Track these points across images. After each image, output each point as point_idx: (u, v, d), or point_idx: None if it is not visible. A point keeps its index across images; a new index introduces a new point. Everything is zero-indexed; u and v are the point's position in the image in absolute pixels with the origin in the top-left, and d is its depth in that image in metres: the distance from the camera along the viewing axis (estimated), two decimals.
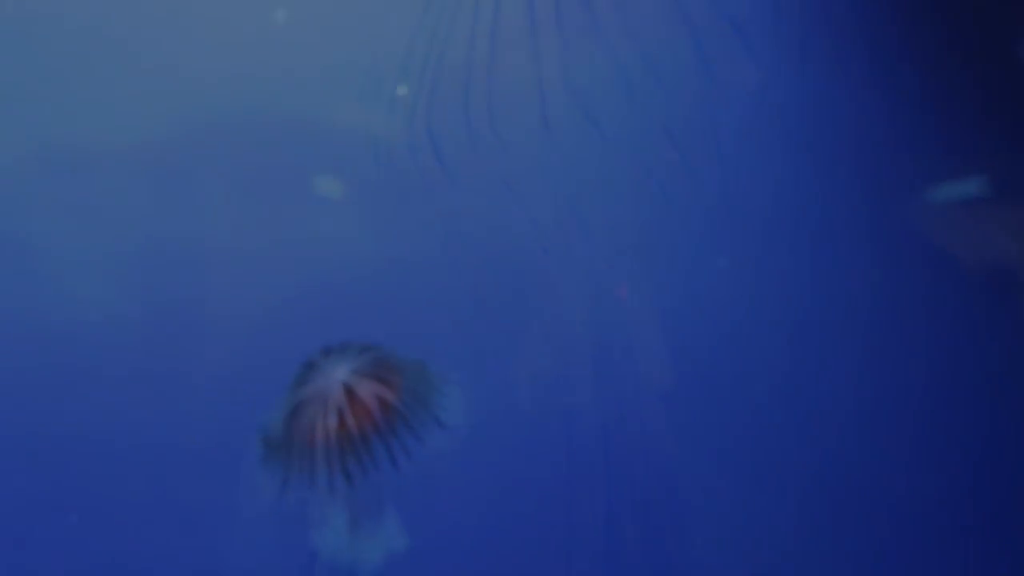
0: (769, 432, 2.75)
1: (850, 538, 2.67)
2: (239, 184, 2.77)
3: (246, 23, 2.84)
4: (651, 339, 2.01)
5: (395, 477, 2.02)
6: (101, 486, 2.59)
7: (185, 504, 2.63)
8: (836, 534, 2.70)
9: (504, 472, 2.13)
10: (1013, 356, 2.88)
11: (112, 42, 2.81)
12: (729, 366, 2.73)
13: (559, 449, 2.16)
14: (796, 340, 2.88)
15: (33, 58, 2.74)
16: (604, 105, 1.71)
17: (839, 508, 2.70)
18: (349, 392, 1.98)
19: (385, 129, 2.03)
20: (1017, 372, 2.86)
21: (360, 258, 2.33)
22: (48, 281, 2.65)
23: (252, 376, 2.69)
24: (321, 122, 2.69)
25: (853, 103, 3.07)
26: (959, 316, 2.99)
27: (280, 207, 2.72)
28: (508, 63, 1.77)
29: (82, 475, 2.55)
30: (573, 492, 2.16)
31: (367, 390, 1.97)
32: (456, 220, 2.00)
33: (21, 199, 2.67)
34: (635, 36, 1.58)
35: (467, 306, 2.25)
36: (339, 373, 2.00)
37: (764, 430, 2.74)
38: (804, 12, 2.97)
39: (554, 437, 2.16)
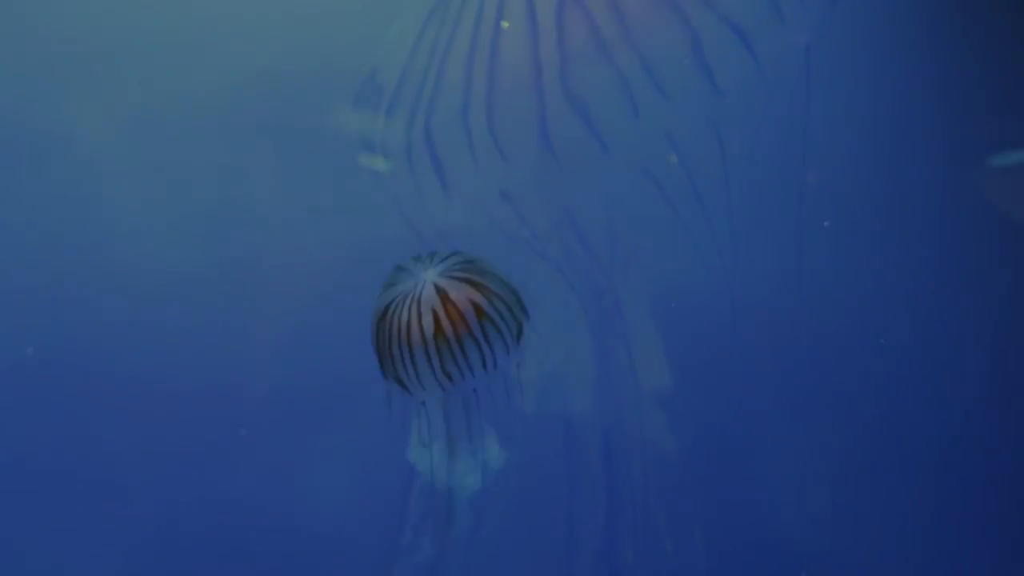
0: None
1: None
2: (293, 145, 2.92)
3: None
4: (651, 341, 2.09)
5: (490, 391, 2.06)
6: (174, 431, 2.81)
7: (255, 451, 2.85)
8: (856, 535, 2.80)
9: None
10: None
11: (184, 6, 2.96)
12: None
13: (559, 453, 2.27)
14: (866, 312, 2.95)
15: (107, 28, 2.91)
16: (605, 116, 1.78)
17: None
18: (443, 294, 1.96)
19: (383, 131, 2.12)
20: None
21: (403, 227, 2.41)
22: (125, 238, 2.86)
23: (308, 328, 2.89)
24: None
25: (910, 71, 3.05)
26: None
27: (333, 169, 2.86)
28: (508, 74, 1.85)
29: (154, 422, 2.77)
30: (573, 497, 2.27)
31: (460, 293, 1.96)
32: (452, 227, 2.09)
33: (99, 163, 2.87)
34: (637, 46, 1.63)
35: None
36: (430, 275, 1.98)
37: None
38: None
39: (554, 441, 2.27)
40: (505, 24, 2.35)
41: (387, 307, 1.99)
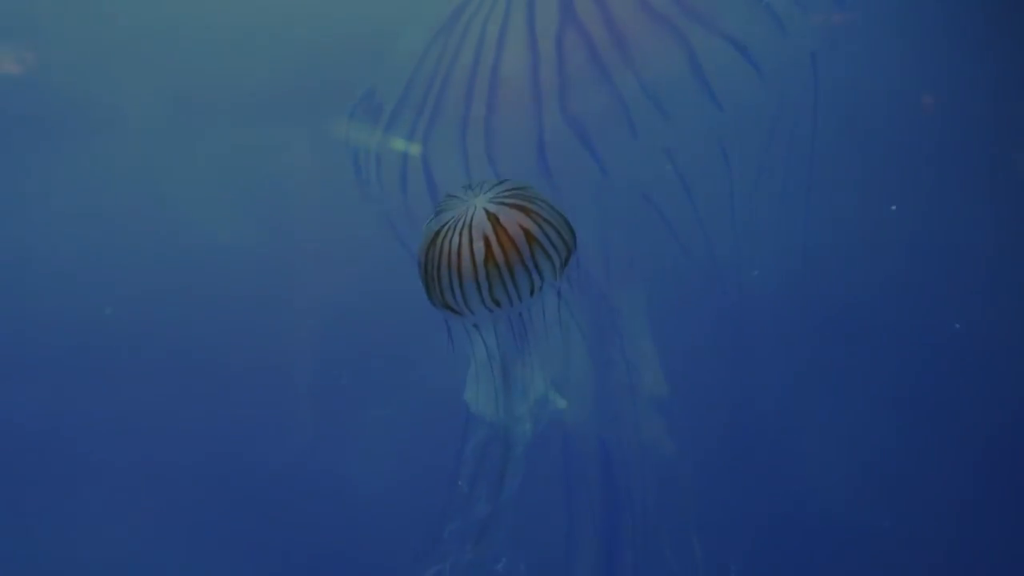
0: None
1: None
2: (334, 123, 2.97)
3: None
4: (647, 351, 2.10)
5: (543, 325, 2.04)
6: (227, 398, 2.94)
7: (304, 420, 2.96)
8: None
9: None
10: None
11: None
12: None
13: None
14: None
15: (160, 7, 2.97)
16: (603, 137, 1.78)
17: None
18: (494, 219, 1.93)
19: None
20: None
21: None
22: (183, 217, 2.97)
23: (352, 303, 2.98)
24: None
25: (958, 54, 2.96)
26: None
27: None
28: (508, 97, 1.85)
29: (199, 392, 2.90)
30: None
31: (511, 217, 1.93)
32: None
33: (158, 144, 2.96)
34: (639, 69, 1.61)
35: None
36: (481, 200, 1.95)
37: None
38: None
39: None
40: None
41: (437, 232, 1.97)
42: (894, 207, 2.93)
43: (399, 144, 2.21)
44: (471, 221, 1.92)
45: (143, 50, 2.97)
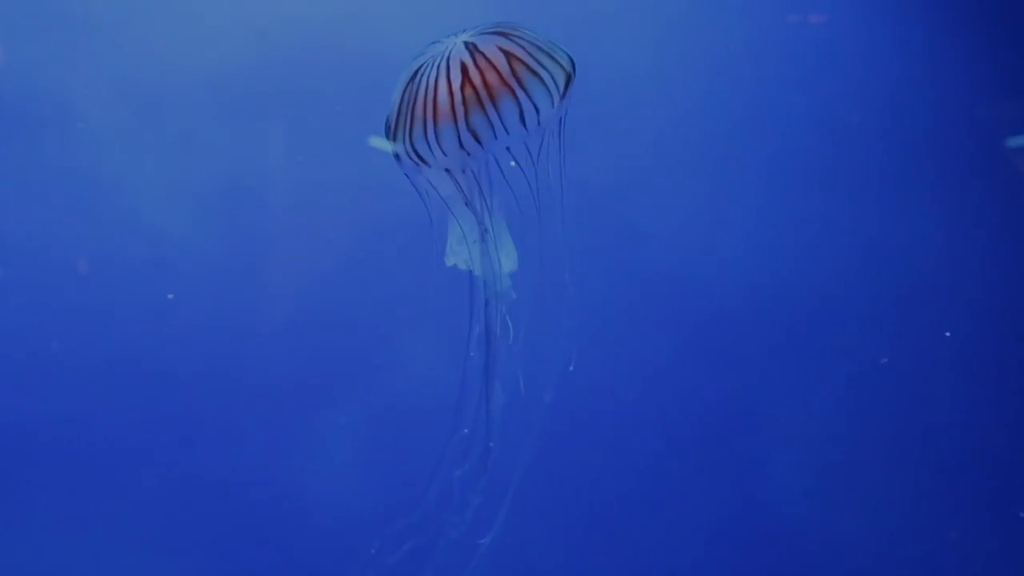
0: None
1: None
2: (304, 123, 2.92)
3: None
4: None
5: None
6: (186, 410, 2.83)
7: (264, 428, 2.87)
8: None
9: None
10: None
11: None
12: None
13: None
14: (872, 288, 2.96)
15: (119, 7, 2.90)
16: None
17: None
18: (472, 48, 1.83)
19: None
20: None
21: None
22: (131, 215, 2.86)
23: (316, 308, 2.91)
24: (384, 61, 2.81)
25: (929, 54, 3.03)
26: None
27: (340, 144, 2.86)
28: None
29: (163, 400, 2.80)
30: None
31: (489, 42, 1.83)
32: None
33: (107, 138, 2.86)
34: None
35: None
36: (461, 37, 1.86)
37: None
38: None
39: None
40: None
41: (416, 71, 1.86)
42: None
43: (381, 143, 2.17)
44: (449, 55, 1.82)
45: (98, 45, 2.88)
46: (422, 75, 1.85)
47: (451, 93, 1.81)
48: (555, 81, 1.86)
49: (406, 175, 1.97)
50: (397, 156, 1.94)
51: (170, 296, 2.83)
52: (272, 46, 2.92)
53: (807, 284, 2.94)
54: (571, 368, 2.21)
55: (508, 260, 2.06)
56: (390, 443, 2.85)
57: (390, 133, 1.94)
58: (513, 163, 1.90)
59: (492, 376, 2.13)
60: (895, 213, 2.99)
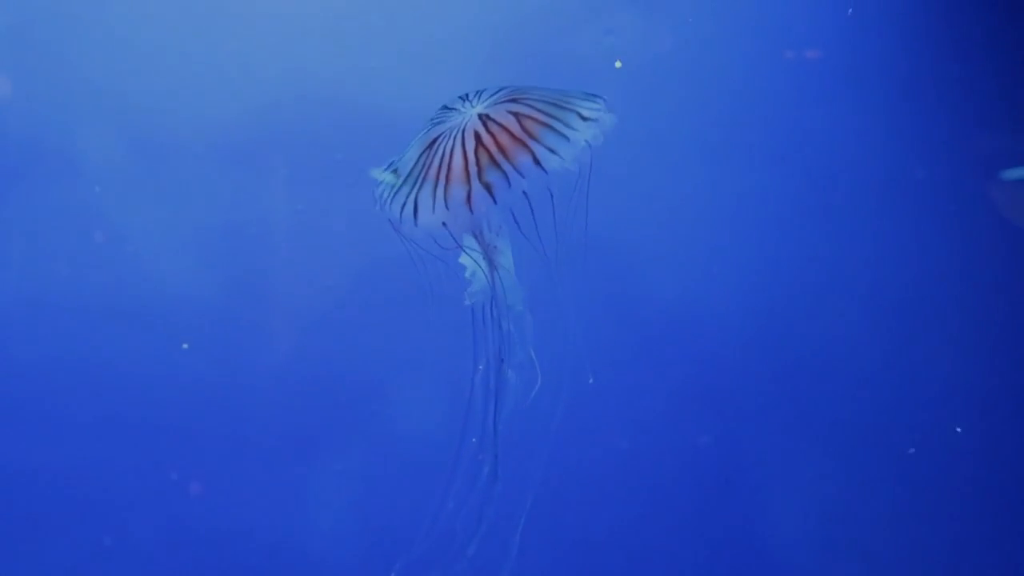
0: None
1: None
2: (304, 170, 2.96)
3: (311, 16, 2.98)
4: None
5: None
6: (183, 458, 2.87)
7: (263, 466, 2.90)
8: None
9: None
10: None
11: (195, 30, 2.99)
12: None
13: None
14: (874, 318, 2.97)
15: (122, 57, 2.94)
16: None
17: None
18: (486, 118, 1.94)
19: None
20: None
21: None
22: (135, 260, 2.90)
23: (314, 348, 2.94)
24: (382, 113, 2.85)
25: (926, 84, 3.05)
26: None
27: (339, 194, 2.90)
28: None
29: (160, 449, 2.84)
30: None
31: (500, 108, 1.94)
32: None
33: (115, 186, 2.90)
34: None
35: None
36: (477, 109, 1.96)
37: None
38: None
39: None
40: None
41: (434, 141, 1.97)
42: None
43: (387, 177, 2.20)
44: (465, 127, 1.93)
45: (102, 94, 2.92)
46: (440, 145, 1.96)
47: (465, 158, 1.92)
48: (568, 125, 1.94)
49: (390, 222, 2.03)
50: (399, 207, 2.01)
51: (185, 346, 2.87)
52: (274, 97, 2.96)
53: (804, 330, 2.96)
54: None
55: (515, 299, 2.15)
56: (388, 489, 2.87)
57: (393, 189, 2.02)
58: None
59: (494, 423, 2.16)
60: (894, 254, 3.02)
